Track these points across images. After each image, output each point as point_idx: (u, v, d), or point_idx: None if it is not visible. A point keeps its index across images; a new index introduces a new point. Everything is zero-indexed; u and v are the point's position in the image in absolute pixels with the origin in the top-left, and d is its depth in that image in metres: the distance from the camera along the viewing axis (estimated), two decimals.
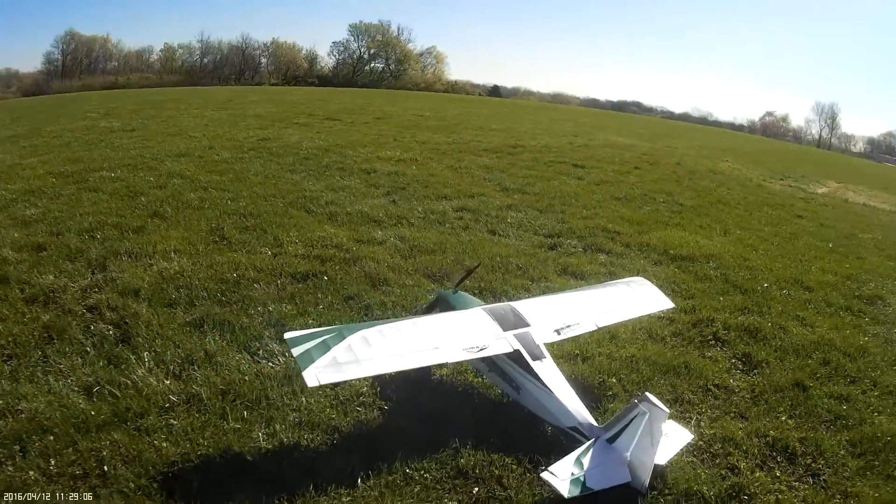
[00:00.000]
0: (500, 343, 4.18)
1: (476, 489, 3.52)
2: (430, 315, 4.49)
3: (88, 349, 4.66)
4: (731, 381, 5.10)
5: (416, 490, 3.47)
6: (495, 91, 72.17)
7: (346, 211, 9.07)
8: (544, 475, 3.44)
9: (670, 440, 3.78)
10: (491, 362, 4.34)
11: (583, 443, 3.71)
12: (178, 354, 4.62)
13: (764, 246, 9.94)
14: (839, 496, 3.75)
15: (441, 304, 4.96)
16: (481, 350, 4.07)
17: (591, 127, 30.85)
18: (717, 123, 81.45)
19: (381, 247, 7.61)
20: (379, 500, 3.34)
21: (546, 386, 4.06)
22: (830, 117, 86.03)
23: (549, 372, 4.15)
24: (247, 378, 4.42)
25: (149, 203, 8.65)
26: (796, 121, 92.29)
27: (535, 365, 4.13)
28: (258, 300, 5.68)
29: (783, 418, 4.60)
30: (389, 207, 9.55)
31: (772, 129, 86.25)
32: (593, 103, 79.51)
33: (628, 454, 3.53)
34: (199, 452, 3.59)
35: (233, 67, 61.98)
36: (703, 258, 8.54)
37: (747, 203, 14.15)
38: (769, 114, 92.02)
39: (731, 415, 4.56)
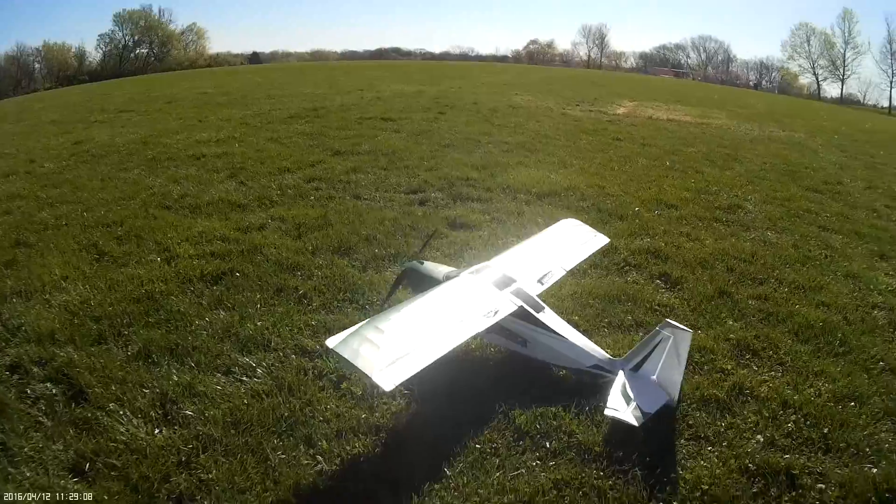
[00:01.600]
0: (505, 303, 4.78)
1: (546, 443, 4.16)
2: (431, 290, 4.77)
3: (42, 420, 4.29)
4: (668, 299, 6.47)
5: (496, 462, 3.96)
6: (255, 58, 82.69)
7: (205, 201, 9.50)
8: (608, 412, 4.19)
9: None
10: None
11: (608, 377, 4.56)
12: (151, 397, 4.49)
13: (608, 173, 12.06)
14: (812, 376, 5.13)
15: (411, 275, 5.47)
16: (495, 314, 4.61)
17: (373, 79, 33.87)
18: (479, 58, 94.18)
19: (266, 231, 8.09)
20: (473, 482, 3.79)
21: (557, 333, 4.82)
22: (599, 38, 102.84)
23: (554, 320, 4.93)
24: (245, 402, 4.46)
25: (4, 233, 8.29)
26: (563, 45, 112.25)
27: (540, 316, 4.87)
28: (188, 314, 5.72)
29: (729, 322, 6.02)
30: (244, 190, 10.16)
31: (538, 57, 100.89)
32: (352, 55, 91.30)
33: (655, 376, 4.43)
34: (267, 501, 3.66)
35: (11, 79, 68.70)
36: (565, 192, 10.25)
37: (566, 133, 16.78)
38: (533, 42, 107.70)
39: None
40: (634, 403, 4.33)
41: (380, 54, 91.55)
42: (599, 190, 10.73)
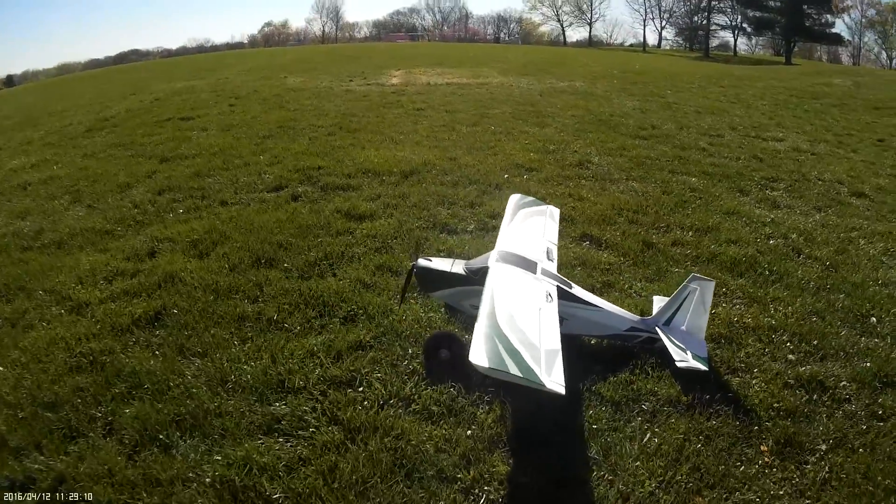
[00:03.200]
0: (548, 286, 5.44)
1: (644, 405, 5.11)
2: (485, 285, 5.16)
3: None
4: (608, 257, 7.90)
5: (624, 434, 4.84)
6: (10, 81, 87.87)
7: (66, 233, 9.31)
8: (681, 365, 5.23)
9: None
10: None
11: (643, 336, 5.69)
12: (207, 490, 4.40)
13: (445, 144, 13.42)
14: (770, 303, 6.84)
15: (423, 273, 5.84)
16: (551, 297, 5.28)
17: (138, 82, 34.19)
18: (216, 48, 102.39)
19: (162, 256, 8.06)
20: (625, 457, 4.61)
21: (593, 304, 5.71)
22: (334, 11, 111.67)
23: (584, 293, 5.82)
24: (332, 459, 4.60)
25: None
26: (298, 23, 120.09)
27: (574, 291, 5.70)
28: (157, 371, 5.57)
29: (674, 270, 7.63)
30: (98, 213, 10.16)
31: (274, 39, 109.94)
32: (96, 64, 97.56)
33: (685, 326, 5.67)
34: None
35: None
36: (425, 169, 11.28)
37: (368, 110, 18.13)
38: (268, 24, 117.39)
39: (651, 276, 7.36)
40: (690, 351, 5.66)
41: (121, 58, 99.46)
42: (454, 163, 11.86)
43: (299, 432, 4.87)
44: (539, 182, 11.05)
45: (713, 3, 79.41)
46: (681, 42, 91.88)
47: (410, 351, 5.79)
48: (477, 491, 4.37)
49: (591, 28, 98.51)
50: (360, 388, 5.31)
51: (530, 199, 7.47)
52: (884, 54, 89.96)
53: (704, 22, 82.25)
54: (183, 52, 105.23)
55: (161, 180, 11.48)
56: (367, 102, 19.89)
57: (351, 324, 6.28)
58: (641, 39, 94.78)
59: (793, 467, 4.67)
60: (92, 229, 9.26)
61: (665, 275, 7.58)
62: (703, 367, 5.41)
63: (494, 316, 4.63)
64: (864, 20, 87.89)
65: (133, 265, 7.76)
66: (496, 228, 8.46)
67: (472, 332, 4.36)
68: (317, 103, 19.71)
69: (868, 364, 5.89)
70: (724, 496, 4.40)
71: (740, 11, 77.72)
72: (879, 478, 4.53)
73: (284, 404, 5.08)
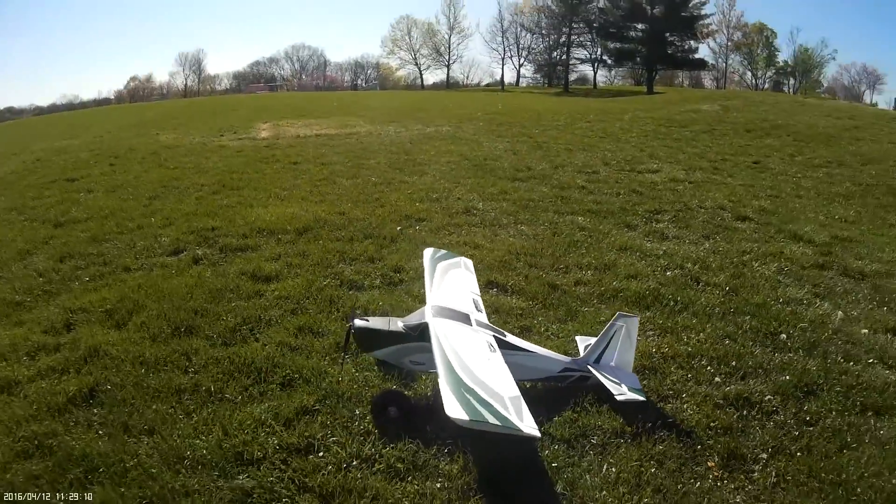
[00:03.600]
0: (488, 336, 5.85)
1: (593, 439, 5.62)
2: (432, 341, 5.47)
3: None
4: (516, 302, 8.48)
5: (581, 468, 5.27)
6: None
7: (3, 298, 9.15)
8: (621, 398, 5.77)
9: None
10: None
11: (578, 375, 6.19)
12: None
13: (329, 198, 13.68)
14: (683, 331, 7.58)
15: (362, 333, 6.04)
16: (493, 347, 5.69)
17: (12, 140, 35.17)
18: (84, 105, 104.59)
19: (80, 328, 7.98)
20: (592, 489, 5.00)
21: (527, 350, 6.17)
22: (196, 64, 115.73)
23: (517, 340, 6.27)
24: None
25: None
26: (161, 77, 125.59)
27: (508, 339, 6.14)
28: (110, 453, 5.48)
29: (583, 310, 8.35)
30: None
31: (139, 93, 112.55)
32: None
33: (613, 362, 6.25)
34: None
35: None
36: (317, 224, 11.56)
37: (245, 165, 18.33)
38: (133, 78, 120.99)
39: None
40: (626, 385, 6.14)
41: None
42: (344, 217, 12.14)
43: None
44: (431, 232, 11.51)
45: (573, 37, 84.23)
46: (539, 78, 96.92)
47: (357, 412, 5.90)
48: None
49: (448, 70, 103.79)
50: (321, 454, 5.37)
51: (443, 251, 7.87)
52: (749, 74, 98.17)
53: (564, 57, 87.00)
54: (54, 109, 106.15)
55: (59, 246, 11.33)
56: (244, 158, 20.05)
57: (290, 388, 6.34)
58: (498, 78, 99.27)
59: (742, 477, 5.26)
60: (3, 300, 9.07)
61: (576, 314, 8.17)
62: (642, 398, 5.98)
63: (454, 370, 4.95)
64: (730, 43, 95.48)
65: (53, 339, 7.61)
66: (402, 283, 9.02)
67: (436, 387, 4.85)
68: (195, 160, 19.84)
69: (787, 377, 6.70)
70: None
71: (601, 44, 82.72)
72: (823, 474, 5.20)
73: (248, 476, 5.10)
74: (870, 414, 6.21)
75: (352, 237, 11.01)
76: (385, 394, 5.97)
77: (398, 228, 11.53)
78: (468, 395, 4.64)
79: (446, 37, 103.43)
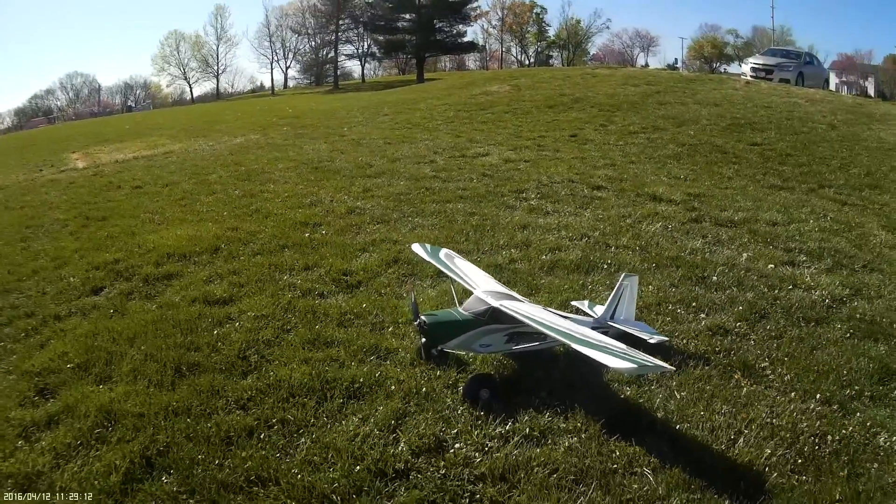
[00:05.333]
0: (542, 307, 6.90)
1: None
2: (532, 319, 6.20)
3: None
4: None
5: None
6: None
7: None
8: (652, 341, 6.85)
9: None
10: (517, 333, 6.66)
11: (602, 331, 6.78)
12: None
13: (213, 216, 13.14)
14: None
15: (435, 328, 6.54)
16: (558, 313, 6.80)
17: None
18: None
19: (71, 387, 6.98)
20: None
21: (567, 316, 7.03)
22: None
23: (547, 310, 7.01)
24: None
25: None
26: None
27: (551, 310, 7.00)
28: None
29: (540, 275, 9.62)
30: None
31: None
32: None
33: (623, 316, 7.36)
34: None
35: None
36: (225, 243, 11.21)
37: (102, 195, 16.71)
38: None
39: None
40: (647, 332, 7.19)
41: None
42: (241, 231, 11.93)
43: None
44: (338, 233, 11.67)
45: (340, 34, 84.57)
46: (307, 78, 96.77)
47: (449, 401, 6.41)
48: None
49: (218, 80, 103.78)
50: (457, 445, 5.84)
51: (429, 245, 8.57)
52: (515, 51, 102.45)
53: (332, 54, 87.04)
54: None
55: None
56: (84, 188, 18.31)
57: (361, 399, 6.56)
58: (259, 84, 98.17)
59: (764, 380, 6.96)
60: None
61: (539, 288, 9.06)
62: (665, 338, 7.27)
63: (575, 336, 5.85)
64: (502, 24, 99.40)
65: (37, 412, 6.67)
66: (361, 284, 9.40)
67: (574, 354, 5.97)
68: (36, 198, 17.80)
69: (740, 308, 8.37)
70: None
71: (369, 37, 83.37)
72: (815, 367, 7.15)
73: (408, 489, 5.39)
74: (813, 325, 8.03)
75: (269, 250, 10.91)
76: (476, 378, 6.49)
77: (306, 235, 11.52)
78: (611, 352, 5.49)
79: (214, 47, 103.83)
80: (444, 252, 8.27)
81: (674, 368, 6.21)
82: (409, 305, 7.43)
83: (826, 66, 47.98)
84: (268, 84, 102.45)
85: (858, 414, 6.27)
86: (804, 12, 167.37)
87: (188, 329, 8.10)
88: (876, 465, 5.56)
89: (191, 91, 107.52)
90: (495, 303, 6.55)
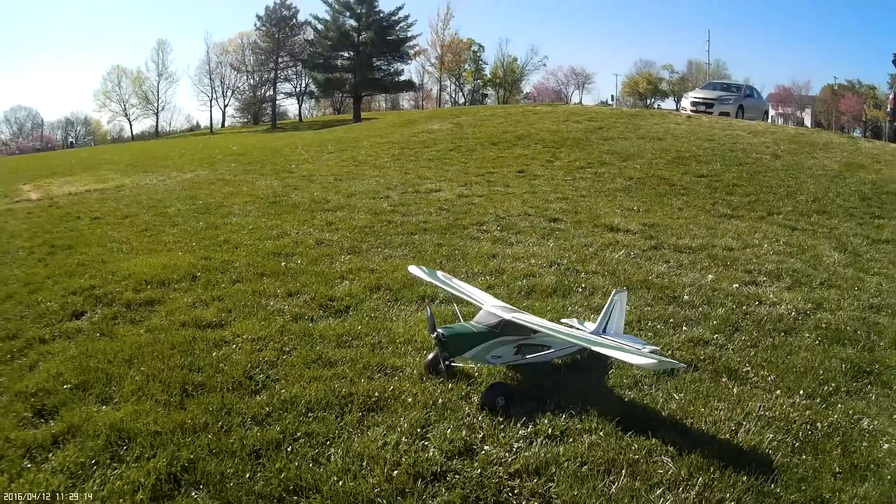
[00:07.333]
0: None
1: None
2: (546, 328, 6.74)
3: None
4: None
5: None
6: None
7: None
8: (654, 352, 7.13)
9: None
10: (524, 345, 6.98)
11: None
12: None
13: (181, 246, 12.97)
14: None
15: (453, 340, 6.78)
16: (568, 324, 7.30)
17: None
18: None
19: (76, 408, 6.58)
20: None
21: (560, 331, 7.09)
22: None
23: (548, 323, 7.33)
24: None
25: None
26: None
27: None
28: None
29: (515, 297, 9.96)
30: None
31: None
32: None
33: (613, 330, 7.71)
34: None
35: None
36: (202, 270, 11.14)
37: (63, 224, 16.26)
38: None
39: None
40: (638, 346, 7.48)
41: None
42: (212, 260, 11.84)
43: None
44: (312, 262, 11.74)
45: (279, 72, 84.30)
46: (244, 117, 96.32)
47: (467, 409, 6.64)
48: None
49: (158, 118, 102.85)
50: (486, 447, 6.08)
51: (424, 268, 8.82)
52: (449, 88, 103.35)
53: (270, 93, 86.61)
54: None
55: None
56: (43, 218, 17.77)
57: (381, 411, 6.74)
58: (196, 122, 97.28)
59: (748, 382, 7.52)
60: None
61: (521, 308, 9.17)
62: (657, 348, 7.72)
63: (593, 340, 6.47)
64: (440, 62, 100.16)
65: (39, 432, 6.43)
66: (349, 309, 9.51)
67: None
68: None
69: (714, 322, 8.95)
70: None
71: (308, 75, 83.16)
72: (793, 369, 7.75)
73: (447, 491, 5.60)
74: (783, 334, 8.68)
75: (247, 278, 10.90)
76: (493, 387, 6.76)
77: (283, 264, 11.58)
78: (629, 351, 6.07)
79: (155, 83, 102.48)
80: (440, 273, 8.50)
81: (685, 366, 6.96)
82: (426, 317, 7.62)
83: (764, 98, 49.85)
84: (204, 123, 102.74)
85: (840, 405, 6.85)
86: (739, 46, 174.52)
87: (186, 351, 8.04)
88: (865, 444, 6.18)
89: (130, 128, 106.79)
90: (507, 315, 6.84)
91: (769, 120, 49.03)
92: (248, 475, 5.68)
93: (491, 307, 7.15)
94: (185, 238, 13.84)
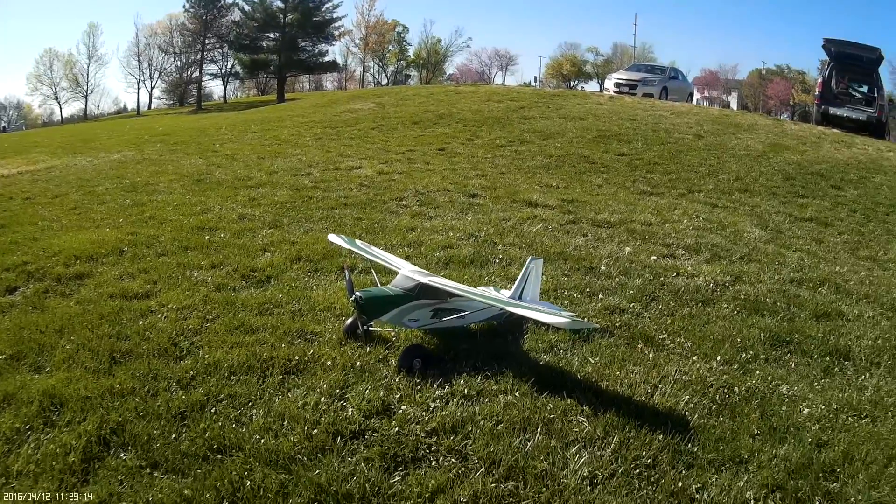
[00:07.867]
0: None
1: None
2: (461, 290, 6.99)
3: None
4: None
5: None
6: None
7: None
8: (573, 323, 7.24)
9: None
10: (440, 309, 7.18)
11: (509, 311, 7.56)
12: None
13: (109, 223, 12.72)
14: None
15: (370, 303, 6.98)
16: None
17: None
18: None
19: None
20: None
21: (479, 295, 7.32)
22: None
23: (466, 288, 7.49)
24: None
25: None
26: None
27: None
28: None
29: (453, 272, 10.24)
30: None
31: None
32: None
33: (529, 296, 7.94)
34: None
35: None
36: (129, 245, 11.05)
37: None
38: None
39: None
40: (555, 310, 7.75)
41: None
42: (139, 235, 11.72)
43: None
44: (234, 236, 11.76)
45: (205, 53, 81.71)
46: (172, 99, 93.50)
47: (385, 371, 6.86)
48: None
49: (87, 100, 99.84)
50: (403, 407, 6.28)
51: (343, 236, 9.04)
52: (373, 70, 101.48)
53: (196, 74, 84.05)
54: None
55: None
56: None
57: (301, 374, 6.90)
58: (123, 105, 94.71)
59: (664, 348, 7.74)
60: None
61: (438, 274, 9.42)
62: (573, 314, 7.96)
63: (508, 301, 6.98)
64: (365, 43, 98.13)
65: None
66: (270, 279, 9.57)
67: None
68: None
69: (631, 291, 9.27)
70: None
71: (234, 56, 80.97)
72: (709, 336, 8.04)
73: (366, 447, 5.83)
74: (701, 304, 9.02)
75: (172, 251, 10.90)
76: (409, 349, 7.00)
77: (206, 237, 11.55)
78: (543, 311, 6.40)
79: (85, 66, 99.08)
80: (359, 241, 8.73)
81: (598, 326, 7.35)
82: (345, 284, 7.72)
83: (690, 80, 50.71)
84: (131, 106, 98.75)
85: (758, 372, 7.08)
86: (667, 29, 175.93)
87: (114, 321, 8.05)
88: (784, 408, 6.36)
89: (60, 112, 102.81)
90: (424, 279, 7.08)
91: (694, 102, 49.97)
92: (173, 436, 5.78)
93: (408, 272, 7.35)
94: (113, 215, 13.58)
